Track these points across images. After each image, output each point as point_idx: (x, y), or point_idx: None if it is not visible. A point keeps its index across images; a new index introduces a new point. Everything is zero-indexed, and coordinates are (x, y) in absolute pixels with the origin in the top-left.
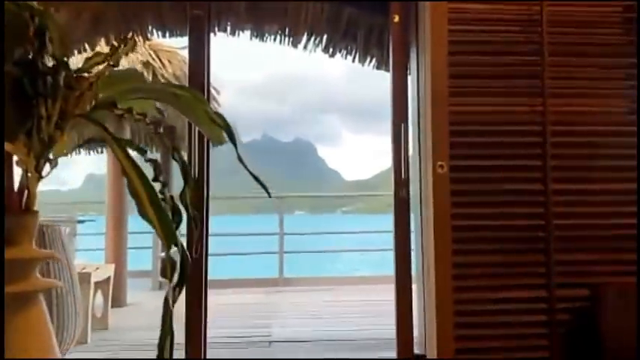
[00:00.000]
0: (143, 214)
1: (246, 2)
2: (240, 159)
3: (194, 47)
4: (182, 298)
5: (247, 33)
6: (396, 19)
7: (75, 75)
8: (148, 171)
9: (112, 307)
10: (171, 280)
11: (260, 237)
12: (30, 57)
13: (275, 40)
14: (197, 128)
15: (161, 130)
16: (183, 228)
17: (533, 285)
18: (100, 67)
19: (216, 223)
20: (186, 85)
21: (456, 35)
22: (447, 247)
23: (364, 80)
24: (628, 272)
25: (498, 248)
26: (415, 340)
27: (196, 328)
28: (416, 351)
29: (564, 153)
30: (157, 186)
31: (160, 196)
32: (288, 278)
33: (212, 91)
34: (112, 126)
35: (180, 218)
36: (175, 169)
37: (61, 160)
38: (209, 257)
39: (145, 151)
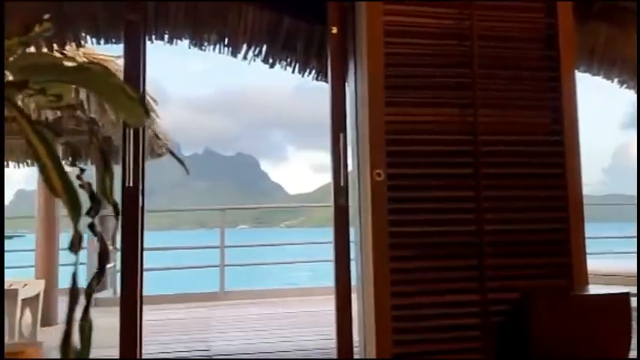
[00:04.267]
0: (53, 190)
1: (185, 10)
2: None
3: (129, 54)
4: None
5: (185, 41)
6: (334, 30)
7: None
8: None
9: (42, 325)
10: (77, 254)
11: (202, 251)
12: None
13: (214, 49)
14: (132, 137)
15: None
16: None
17: (467, 289)
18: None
19: (159, 238)
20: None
21: (391, 47)
22: (384, 254)
23: (309, 95)
24: (557, 276)
25: (434, 254)
26: (355, 348)
27: (130, 344)
28: (356, 357)
29: (495, 161)
30: (76, 171)
31: (77, 182)
32: (229, 292)
33: (150, 101)
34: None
35: (98, 206)
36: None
37: None
38: (144, 273)
39: (61, 135)
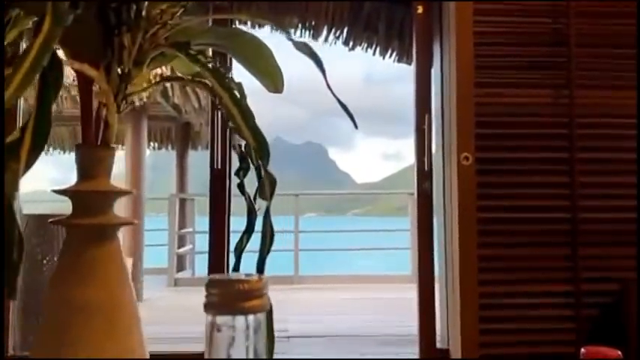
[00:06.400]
0: (240, 133)
1: None
2: (328, 86)
3: None
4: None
5: (267, 26)
6: (420, 10)
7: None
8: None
9: None
10: (270, 198)
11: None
12: None
13: (296, 33)
14: (220, 124)
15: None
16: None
17: (560, 279)
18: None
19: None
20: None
21: (481, 26)
22: (472, 240)
23: (377, 88)
24: None
25: (524, 241)
26: (437, 337)
27: None
28: (438, 345)
29: (591, 145)
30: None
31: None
32: (303, 276)
33: None
34: (131, 121)
35: (247, 167)
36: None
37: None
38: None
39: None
